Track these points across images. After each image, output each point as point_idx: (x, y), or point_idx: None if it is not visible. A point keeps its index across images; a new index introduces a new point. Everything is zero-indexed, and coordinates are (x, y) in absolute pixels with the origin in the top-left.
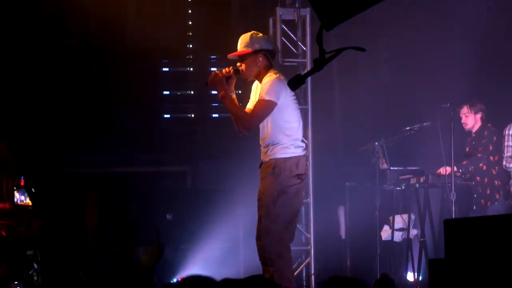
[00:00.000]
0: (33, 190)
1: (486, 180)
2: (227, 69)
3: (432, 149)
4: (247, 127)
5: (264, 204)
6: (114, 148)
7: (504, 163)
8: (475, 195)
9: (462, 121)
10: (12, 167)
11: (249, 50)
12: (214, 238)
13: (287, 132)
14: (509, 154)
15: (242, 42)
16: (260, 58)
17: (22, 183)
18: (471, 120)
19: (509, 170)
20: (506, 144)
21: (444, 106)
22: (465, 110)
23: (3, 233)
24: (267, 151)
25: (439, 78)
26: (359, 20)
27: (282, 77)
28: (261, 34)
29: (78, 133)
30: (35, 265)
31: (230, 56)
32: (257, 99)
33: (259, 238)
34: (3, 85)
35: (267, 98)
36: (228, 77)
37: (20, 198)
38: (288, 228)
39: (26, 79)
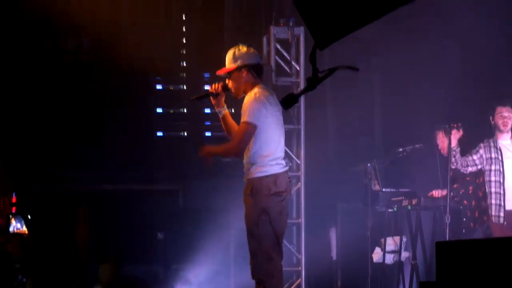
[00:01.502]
0: (29, 217)
1: (474, 203)
2: (215, 85)
3: (424, 171)
4: (236, 154)
5: (247, 226)
6: (106, 165)
7: (459, 166)
8: (464, 219)
9: (439, 147)
10: (4, 183)
11: (232, 67)
12: (205, 257)
13: (264, 153)
14: (464, 164)
15: (227, 58)
16: (244, 74)
17: (14, 199)
18: (446, 145)
19: (462, 170)
20: (472, 157)
21: (443, 127)
22: (440, 135)
23: None
24: (245, 170)
25: (432, 98)
26: (352, 39)
27: (262, 95)
28: (245, 49)
29: (70, 149)
30: (22, 278)
31: (218, 73)
32: None
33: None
34: None
35: (247, 120)
36: (216, 94)
37: (16, 225)
38: (276, 247)
39: (18, 95)
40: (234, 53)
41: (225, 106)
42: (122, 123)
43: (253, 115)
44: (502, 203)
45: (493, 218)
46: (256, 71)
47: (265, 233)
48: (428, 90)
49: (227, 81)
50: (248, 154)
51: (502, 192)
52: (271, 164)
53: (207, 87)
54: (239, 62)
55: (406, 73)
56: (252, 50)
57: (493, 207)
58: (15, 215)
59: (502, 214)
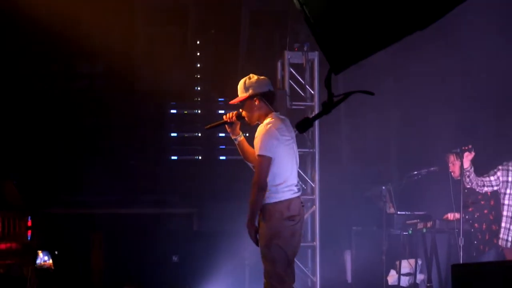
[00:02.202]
0: (56, 253)
1: (484, 226)
2: (229, 114)
3: (439, 194)
4: (263, 187)
5: (260, 249)
6: (121, 189)
7: (474, 186)
8: (475, 242)
9: (450, 170)
10: (20, 206)
11: (245, 95)
12: (220, 281)
13: (277, 182)
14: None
15: (239, 88)
16: (256, 103)
17: (29, 223)
18: (458, 168)
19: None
20: (489, 178)
21: (454, 151)
22: (451, 158)
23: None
24: None
25: (447, 123)
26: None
27: (274, 127)
28: (255, 77)
29: (85, 174)
30: None
31: (231, 102)
32: None
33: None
34: (12, 125)
35: (262, 153)
36: (231, 123)
37: (43, 258)
38: (287, 270)
39: (34, 119)
40: (245, 82)
41: (241, 133)
42: (137, 147)
43: (265, 148)
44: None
45: (500, 241)
46: (267, 98)
47: (277, 256)
48: (443, 114)
49: (240, 110)
50: None
51: None
52: (283, 191)
53: (221, 111)
54: (250, 91)
55: (420, 98)
56: (262, 78)
57: (503, 230)
58: (43, 250)
59: (510, 238)
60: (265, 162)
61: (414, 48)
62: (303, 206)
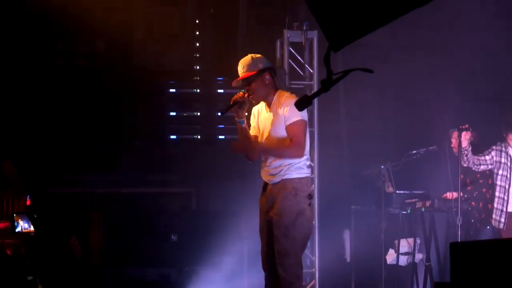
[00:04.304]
0: (35, 216)
1: (481, 204)
2: (241, 93)
3: (438, 173)
4: (300, 155)
5: (282, 225)
6: (119, 168)
7: (470, 164)
8: (472, 220)
9: (452, 145)
10: (18, 186)
11: (254, 71)
12: (218, 260)
13: (304, 155)
14: (477, 163)
15: (244, 65)
16: (267, 76)
17: (28, 202)
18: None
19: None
20: (484, 158)
21: (452, 131)
22: (455, 134)
23: (8, 252)
24: (279, 171)
25: (446, 101)
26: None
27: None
28: (259, 55)
29: (84, 153)
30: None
31: (235, 83)
32: (265, 125)
33: (267, 262)
34: (10, 103)
35: (301, 118)
36: (242, 103)
37: (24, 226)
38: (303, 250)
39: (32, 98)
40: (252, 58)
41: (245, 117)
42: (136, 126)
43: (300, 113)
44: (504, 209)
45: (493, 221)
46: (275, 74)
47: (298, 234)
48: (441, 93)
49: (246, 89)
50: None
51: (505, 198)
52: (307, 166)
53: (220, 91)
54: (260, 66)
55: (419, 77)
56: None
57: (495, 211)
58: (20, 215)
59: (502, 219)
60: (305, 126)
61: (415, 26)
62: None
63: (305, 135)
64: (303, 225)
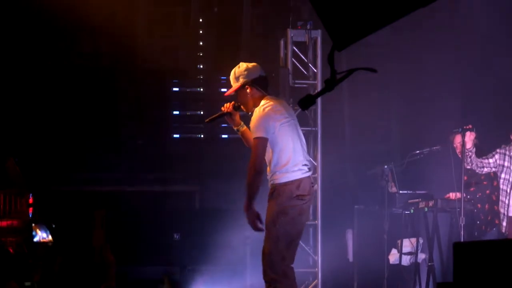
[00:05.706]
0: (53, 226)
1: (487, 206)
2: (227, 104)
3: (441, 173)
4: (259, 170)
5: (266, 227)
6: (123, 167)
7: (474, 167)
8: (478, 222)
9: (454, 145)
10: (21, 184)
11: (237, 85)
12: (221, 258)
13: (283, 162)
14: (480, 165)
15: (231, 78)
16: (248, 90)
17: (31, 200)
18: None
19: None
20: (488, 160)
21: (455, 131)
22: (458, 138)
23: (11, 250)
24: (270, 178)
25: (450, 102)
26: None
27: (268, 107)
28: (244, 65)
29: (87, 152)
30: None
31: (226, 94)
32: None
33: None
34: (13, 102)
35: (257, 135)
36: (229, 114)
37: (42, 235)
38: (290, 249)
39: (36, 97)
40: (234, 72)
41: (242, 123)
42: (139, 125)
43: (261, 130)
44: (505, 212)
45: (500, 226)
46: (259, 84)
47: (282, 234)
48: (445, 94)
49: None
50: (270, 166)
51: (507, 202)
52: (293, 170)
53: (223, 89)
54: (241, 80)
55: (423, 76)
56: (251, 65)
57: (501, 216)
58: (39, 224)
59: (504, 223)
60: (261, 144)
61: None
62: (313, 185)
63: (260, 151)
64: (285, 225)
